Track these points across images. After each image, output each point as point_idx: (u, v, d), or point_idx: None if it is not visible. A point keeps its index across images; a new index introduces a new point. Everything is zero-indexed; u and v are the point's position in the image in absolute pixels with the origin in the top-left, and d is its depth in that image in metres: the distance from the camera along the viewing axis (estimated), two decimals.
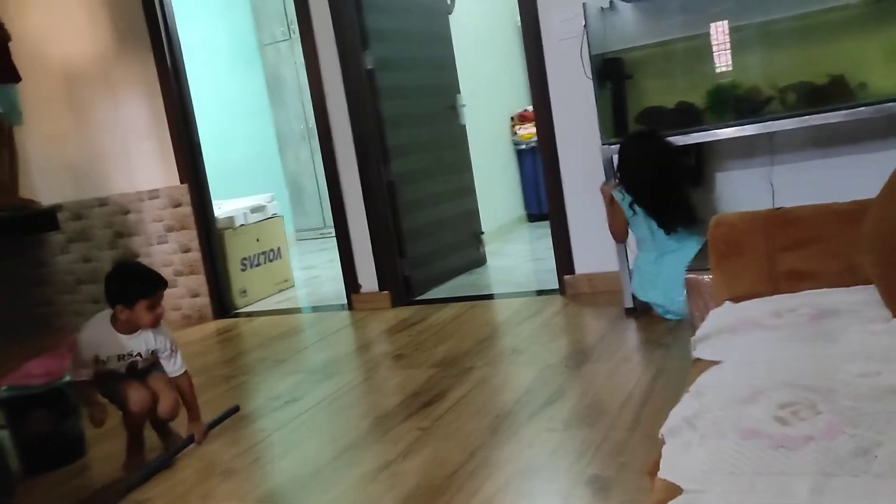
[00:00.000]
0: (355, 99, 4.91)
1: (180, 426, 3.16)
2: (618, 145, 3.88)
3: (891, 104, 3.39)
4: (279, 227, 6.31)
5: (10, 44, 4.43)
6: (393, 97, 5.12)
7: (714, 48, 3.90)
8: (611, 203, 3.94)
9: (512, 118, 7.93)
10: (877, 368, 1.50)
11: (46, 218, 4.38)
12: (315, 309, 5.43)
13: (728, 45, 3.86)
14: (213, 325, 5.32)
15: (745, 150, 4.02)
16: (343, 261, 5.16)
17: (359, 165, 4.95)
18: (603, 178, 3.99)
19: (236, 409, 3.40)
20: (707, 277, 2.49)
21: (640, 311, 3.94)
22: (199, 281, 5.51)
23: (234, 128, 8.17)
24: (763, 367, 1.61)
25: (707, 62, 3.94)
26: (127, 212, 5.64)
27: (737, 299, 2.14)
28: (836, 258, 2.12)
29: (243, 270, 5.76)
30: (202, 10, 7.91)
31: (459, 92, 5.83)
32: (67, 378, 3.11)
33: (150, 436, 3.13)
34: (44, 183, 5.82)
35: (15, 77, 4.43)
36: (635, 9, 4.07)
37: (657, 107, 4.03)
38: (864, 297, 1.90)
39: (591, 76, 4.02)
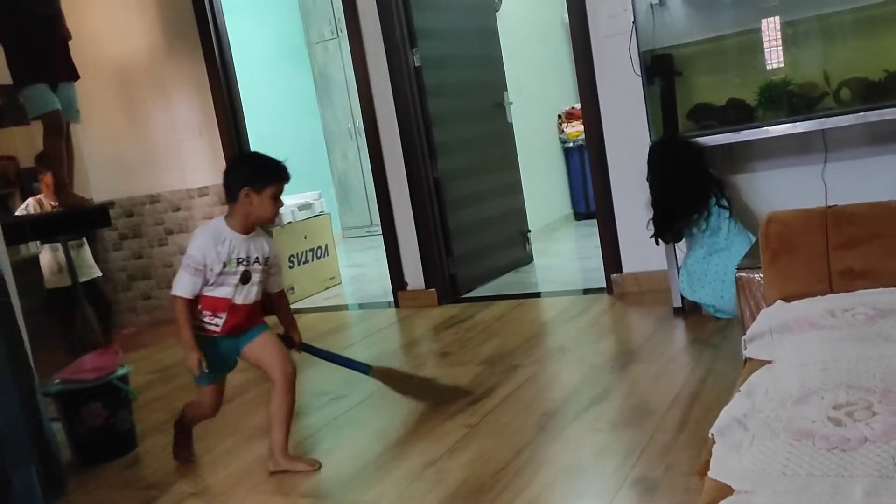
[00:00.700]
0: (402, 97, 4.92)
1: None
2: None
3: None
4: (326, 225, 6.36)
5: (69, 42, 4.53)
6: (440, 95, 5.12)
7: (766, 43, 3.83)
8: None
9: (559, 116, 7.89)
10: None
11: (99, 214, 4.46)
12: (362, 306, 5.46)
13: (780, 41, 3.79)
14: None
15: (798, 147, 3.94)
16: (390, 258, 5.18)
17: (406, 163, 4.96)
18: None
19: (367, 370, 3.19)
20: (758, 276, 2.45)
21: (689, 311, 3.89)
22: None
23: (282, 126, 8.25)
24: (817, 367, 1.58)
25: (758, 58, 3.88)
26: (177, 209, 5.73)
27: (789, 298, 2.11)
28: (894, 256, 2.07)
29: (291, 267, 5.81)
30: (251, 10, 8.00)
31: (507, 89, 5.81)
32: (120, 372, 3.18)
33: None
34: (97, 179, 5.94)
35: (74, 75, 4.52)
36: (685, 4, 4.02)
37: (707, 103, 3.97)
38: None
39: (639, 73, 3.98)
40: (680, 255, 4.01)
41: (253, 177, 2.69)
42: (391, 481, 2.56)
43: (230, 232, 2.70)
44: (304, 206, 6.16)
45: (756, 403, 1.49)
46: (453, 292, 5.13)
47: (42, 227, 4.25)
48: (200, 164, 5.59)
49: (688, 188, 3.77)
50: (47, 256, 4.53)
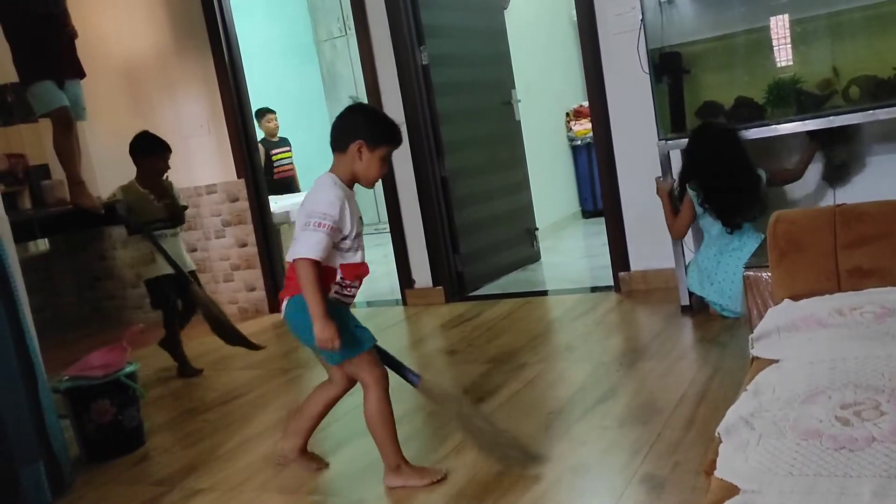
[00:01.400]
0: (410, 95, 4.92)
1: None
2: (673, 139, 3.82)
3: None
4: None
5: (76, 41, 4.55)
6: (447, 93, 5.12)
7: (774, 42, 3.82)
8: (668, 199, 3.88)
9: (567, 114, 7.88)
10: None
11: (108, 211, 4.48)
12: (369, 304, 5.47)
13: (789, 39, 3.78)
14: (269, 319, 5.39)
15: (806, 145, 3.92)
16: (397, 256, 5.18)
17: (413, 161, 4.96)
18: (660, 175, 3.94)
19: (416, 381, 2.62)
20: (766, 275, 2.44)
21: (697, 309, 3.88)
22: (256, 275, 5.58)
23: (290, 123, 8.25)
24: (824, 367, 1.58)
25: (767, 56, 3.87)
26: (185, 207, 5.73)
27: (797, 297, 2.10)
28: None
29: None
30: (259, 8, 8.01)
31: (514, 87, 5.81)
32: (128, 369, 3.19)
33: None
34: (104, 177, 5.94)
35: (80, 73, 4.54)
36: (693, 1, 4.01)
37: (715, 101, 3.95)
38: None
39: (647, 71, 3.97)
40: (688, 252, 4.01)
41: (370, 131, 2.40)
42: None
43: (345, 188, 2.40)
44: None
45: (763, 402, 1.48)
46: (460, 290, 5.13)
47: (49, 225, 4.26)
48: (208, 162, 5.60)
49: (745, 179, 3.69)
50: (137, 248, 4.28)
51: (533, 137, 6.37)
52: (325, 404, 2.61)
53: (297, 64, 8.68)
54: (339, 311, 2.37)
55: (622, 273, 4.50)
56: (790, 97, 3.78)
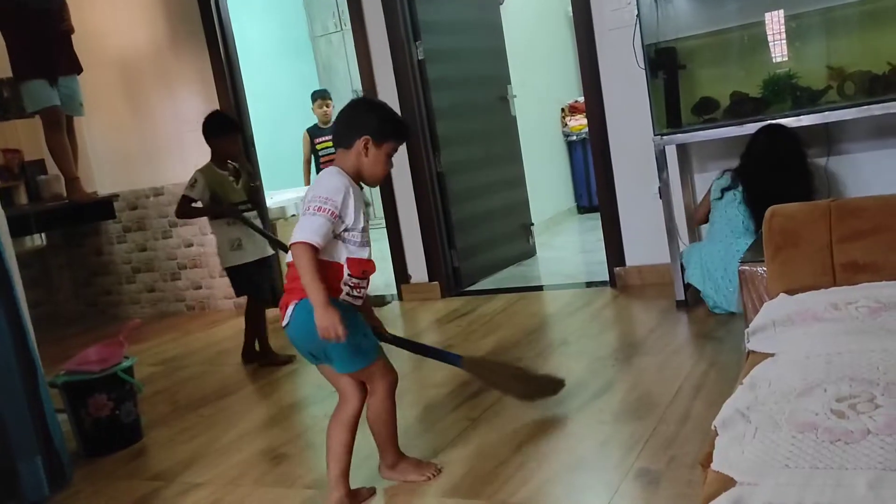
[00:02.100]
0: (406, 90, 4.92)
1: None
2: (668, 135, 3.84)
3: None
4: None
5: (72, 36, 4.55)
6: (443, 88, 5.12)
7: (770, 37, 3.82)
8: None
9: (563, 109, 7.88)
10: None
11: (103, 206, 4.48)
12: None
13: (784, 34, 3.79)
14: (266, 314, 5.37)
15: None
16: (393, 251, 5.18)
17: (409, 156, 4.96)
18: (655, 170, 3.94)
19: (458, 360, 2.76)
20: (762, 269, 2.45)
21: (692, 304, 3.89)
22: None
23: (286, 119, 8.24)
24: (820, 360, 1.59)
25: (762, 51, 3.87)
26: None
27: (792, 291, 2.11)
28: None
29: None
30: (255, 3, 7.99)
31: (510, 83, 5.81)
32: (125, 364, 3.19)
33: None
34: (101, 172, 5.94)
35: (77, 68, 4.54)
36: None
37: (711, 97, 3.96)
38: None
39: (643, 66, 3.97)
40: (683, 246, 4.02)
41: (377, 126, 2.31)
42: None
43: (350, 179, 2.30)
44: None
45: (759, 396, 1.49)
46: (456, 285, 5.14)
47: (46, 220, 4.25)
48: (204, 157, 5.56)
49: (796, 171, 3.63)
50: (222, 234, 4.04)
51: (528, 133, 6.37)
52: (347, 431, 2.36)
53: (292, 59, 8.67)
54: (353, 316, 2.26)
55: (617, 268, 4.51)
56: (785, 92, 3.79)
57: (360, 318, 2.34)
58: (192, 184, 3.95)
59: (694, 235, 4.25)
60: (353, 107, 2.42)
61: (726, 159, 4.08)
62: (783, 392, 1.47)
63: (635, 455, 2.40)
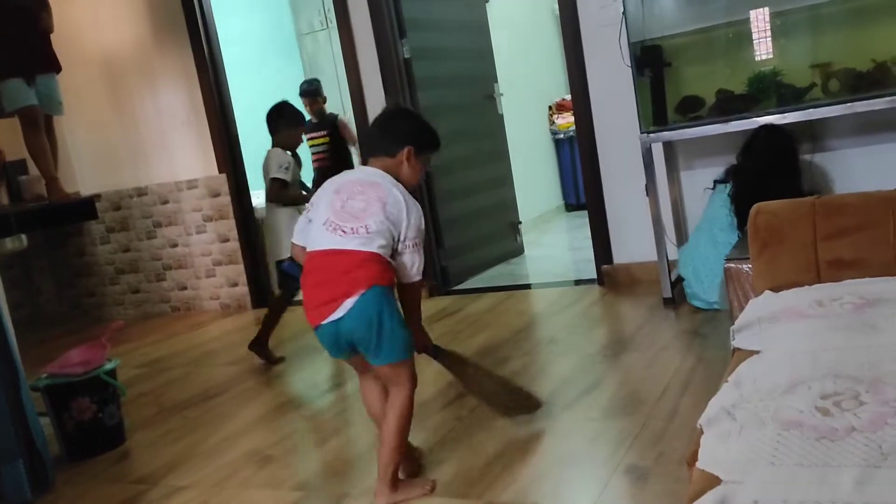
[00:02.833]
0: (392, 88, 4.90)
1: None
2: (655, 132, 3.84)
3: None
4: None
5: (53, 34, 4.50)
6: (430, 87, 5.10)
7: (755, 34, 3.83)
8: None
9: (550, 107, 7.88)
10: None
11: (85, 207, 4.44)
12: None
13: (769, 32, 3.79)
14: (252, 315, 5.36)
15: None
16: None
17: None
18: (642, 168, 3.94)
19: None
20: (747, 266, 2.45)
21: (679, 302, 3.89)
22: (238, 270, 5.55)
23: None
24: (804, 357, 1.58)
25: (747, 49, 3.87)
26: (165, 201, 5.70)
27: (777, 288, 2.11)
28: (882, 246, 2.07)
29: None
30: (239, 0, 7.95)
31: (497, 81, 5.80)
32: (108, 366, 3.16)
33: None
34: (83, 172, 5.91)
35: (56, 67, 4.50)
36: None
37: (697, 94, 3.96)
38: None
39: (629, 64, 3.97)
40: (670, 246, 4.03)
41: (418, 137, 2.40)
42: None
43: None
44: None
45: (744, 393, 1.49)
46: (444, 284, 5.12)
47: (27, 221, 4.21)
48: (189, 156, 5.57)
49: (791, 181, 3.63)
50: (282, 222, 3.97)
51: (516, 131, 6.37)
52: (379, 400, 2.43)
53: (277, 57, 8.62)
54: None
55: (605, 266, 4.50)
56: (770, 90, 3.79)
57: None
58: (287, 167, 3.98)
59: (681, 233, 4.25)
60: (393, 116, 2.50)
61: (713, 156, 4.09)
62: (768, 389, 1.47)
63: (624, 451, 2.39)
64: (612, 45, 4.11)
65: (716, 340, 3.26)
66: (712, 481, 1.25)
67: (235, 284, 5.59)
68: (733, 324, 2.00)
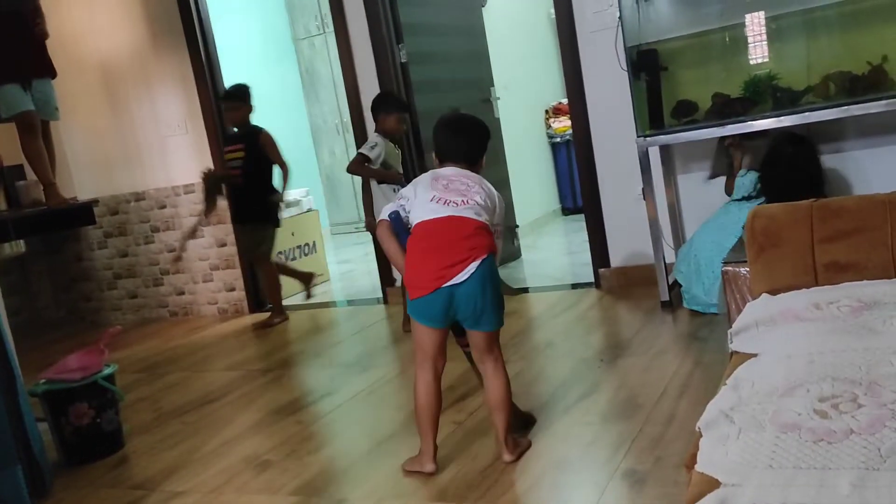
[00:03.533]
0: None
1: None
2: (651, 136, 3.84)
3: None
4: (314, 221, 6.34)
5: (50, 39, 4.51)
6: (427, 91, 5.11)
7: (750, 38, 3.84)
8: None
9: (546, 111, 7.89)
10: None
11: (83, 212, 4.44)
12: (350, 303, 5.46)
13: (764, 35, 3.80)
14: (249, 319, 5.36)
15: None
16: (378, 255, 5.16)
17: None
18: (638, 172, 3.94)
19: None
20: (744, 270, 2.45)
21: (676, 305, 3.90)
22: (235, 275, 5.55)
23: (268, 122, 8.14)
24: (802, 360, 1.59)
25: (743, 52, 3.89)
26: (163, 206, 5.70)
27: (775, 291, 2.12)
28: (879, 249, 2.08)
29: None
30: (236, 5, 7.96)
31: (493, 85, 5.80)
32: (106, 372, 3.16)
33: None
34: (81, 177, 5.90)
35: (51, 72, 4.50)
36: None
37: (692, 98, 3.97)
38: None
39: (625, 68, 3.98)
40: (667, 249, 4.03)
41: (481, 149, 2.63)
42: (380, 479, 2.55)
43: None
44: (292, 203, 6.13)
45: (742, 396, 1.49)
46: None
47: (25, 226, 4.21)
48: (186, 161, 5.56)
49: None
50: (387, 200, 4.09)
51: (512, 135, 6.38)
52: (436, 399, 2.53)
53: (275, 62, 8.64)
54: None
55: (602, 270, 4.51)
56: (766, 93, 3.80)
57: None
58: (373, 146, 4.13)
59: (678, 236, 4.26)
60: (478, 127, 2.64)
61: (709, 160, 4.10)
62: (766, 392, 1.47)
63: (622, 455, 2.40)
64: (609, 49, 4.12)
65: (713, 343, 3.27)
66: (711, 484, 1.26)
67: (233, 289, 5.59)
68: (731, 327, 2.00)
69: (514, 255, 5.92)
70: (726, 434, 1.37)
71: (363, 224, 5.40)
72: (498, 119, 5.83)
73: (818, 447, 1.24)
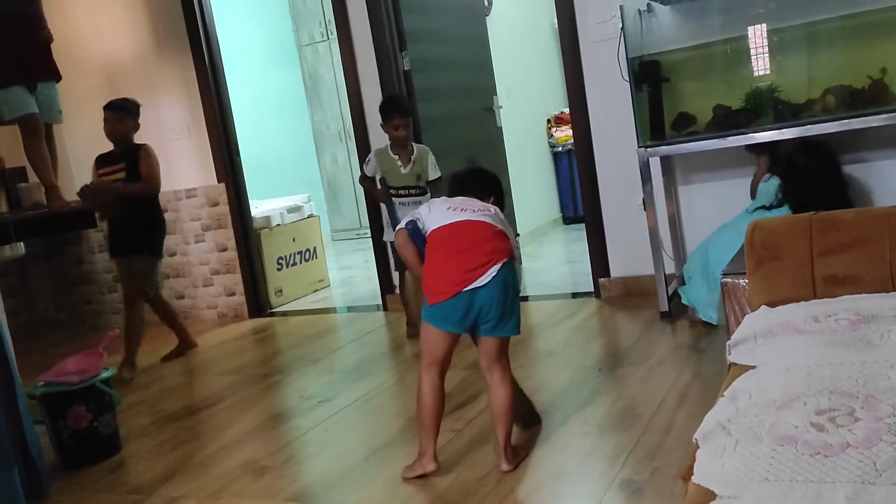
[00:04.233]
0: None
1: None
2: (653, 147, 3.85)
3: None
4: (315, 227, 6.34)
5: (54, 43, 4.53)
6: (429, 99, 5.12)
7: (752, 51, 3.85)
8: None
9: (548, 120, 7.90)
10: None
11: (84, 215, 4.44)
12: (350, 309, 5.45)
13: (766, 48, 3.81)
14: (249, 324, 5.36)
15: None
16: (378, 261, 5.17)
17: None
18: (639, 182, 3.94)
19: None
20: (743, 281, 2.46)
21: (676, 315, 3.90)
22: (236, 280, 5.55)
23: (271, 128, 8.23)
24: (800, 373, 1.59)
25: (745, 65, 3.90)
26: (164, 210, 5.69)
27: (773, 304, 2.12)
28: (878, 262, 2.08)
29: (279, 270, 5.80)
30: (241, 11, 7.98)
31: (496, 93, 5.81)
32: (105, 375, 3.16)
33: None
34: (83, 181, 5.88)
35: (56, 75, 4.51)
36: (673, 11, 4.04)
37: (692, 111, 3.98)
38: None
39: (627, 79, 3.99)
40: (667, 259, 4.04)
41: (498, 190, 2.74)
42: (377, 485, 2.55)
43: None
44: (293, 209, 6.14)
45: (740, 408, 1.49)
46: None
47: (26, 229, 4.22)
48: (188, 166, 5.57)
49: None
50: (398, 210, 4.18)
51: (514, 144, 6.38)
52: (441, 400, 2.56)
53: (278, 68, 8.66)
54: None
55: (602, 279, 4.51)
56: (767, 106, 3.81)
57: None
58: (367, 161, 4.34)
59: (678, 247, 4.26)
60: (491, 175, 2.78)
61: (711, 171, 4.11)
62: (764, 405, 1.47)
63: (619, 466, 2.39)
64: (611, 59, 4.13)
65: (712, 355, 3.27)
66: (707, 496, 1.26)
67: (233, 294, 5.59)
68: (729, 339, 2.01)
69: None
70: (723, 446, 1.38)
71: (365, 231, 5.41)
72: (500, 128, 5.84)
73: (815, 460, 1.25)
